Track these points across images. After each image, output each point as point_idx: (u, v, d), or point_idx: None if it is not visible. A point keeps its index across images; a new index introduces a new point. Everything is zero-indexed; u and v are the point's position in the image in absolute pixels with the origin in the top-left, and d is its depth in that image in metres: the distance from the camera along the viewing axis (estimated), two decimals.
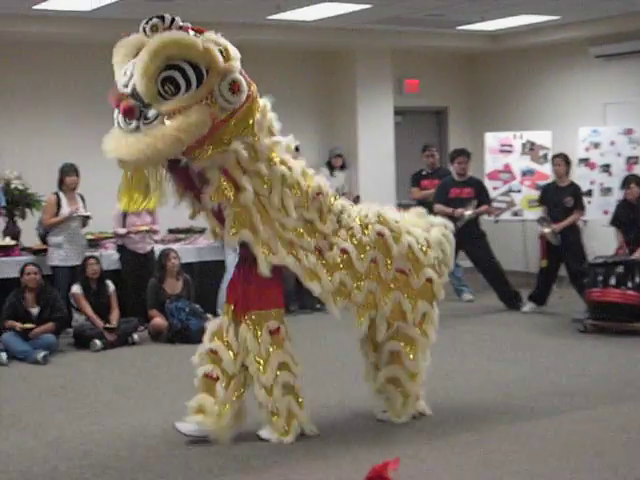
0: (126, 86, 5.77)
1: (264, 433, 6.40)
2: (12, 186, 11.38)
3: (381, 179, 14.38)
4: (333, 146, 14.31)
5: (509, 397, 7.48)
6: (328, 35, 13.66)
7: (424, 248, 6.79)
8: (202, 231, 12.54)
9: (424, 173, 13.10)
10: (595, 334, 10.12)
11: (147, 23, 5.81)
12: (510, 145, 13.74)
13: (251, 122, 6.17)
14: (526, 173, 13.57)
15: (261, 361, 6.22)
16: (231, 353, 6.32)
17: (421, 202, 12.68)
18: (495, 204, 13.05)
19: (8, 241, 11.21)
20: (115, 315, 10.42)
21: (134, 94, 5.72)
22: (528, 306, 11.69)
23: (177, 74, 5.67)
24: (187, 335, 10.22)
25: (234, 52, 5.97)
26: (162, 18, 5.78)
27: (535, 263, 12.36)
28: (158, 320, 10.55)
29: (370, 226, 6.65)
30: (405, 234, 6.72)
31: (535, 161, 13.54)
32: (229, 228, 6.13)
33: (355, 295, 6.48)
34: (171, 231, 12.49)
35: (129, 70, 5.76)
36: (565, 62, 14.47)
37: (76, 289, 10.40)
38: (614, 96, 13.74)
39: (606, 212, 12.02)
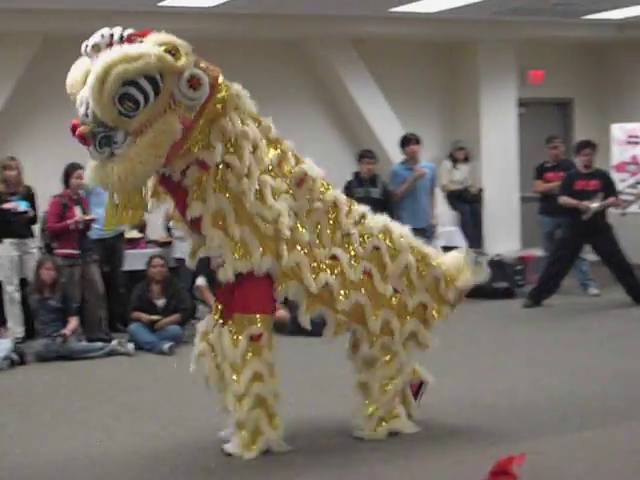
0: (87, 116, 5.48)
1: (229, 447, 6.05)
2: None
3: (504, 172, 14.22)
4: (456, 139, 14.21)
5: (622, 393, 7.31)
6: (451, 27, 13.57)
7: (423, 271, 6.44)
8: None
9: (548, 165, 12.88)
10: None
11: (87, 45, 5.60)
12: (637, 136, 13.42)
13: (228, 111, 5.91)
14: None
15: (235, 368, 5.88)
16: (211, 359, 6.13)
17: (545, 195, 12.52)
18: (622, 197, 12.76)
19: (135, 234, 11.45)
20: None
21: (96, 121, 5.45)
22: None
23: (132, 90, 5.35)
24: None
25: (184, 47, 5.56)
26: (101, 35, 5.56)
27: None
28: (281, 312, 10.60)
29: (369, 238, 6.30)
30: (405, 252, 6.37)
31: None
32: (207, 232, 5.89)
33: (340, 302, 6.10)
34: None
35: (84, 98, 5.49)
36: None
37: (201, 281, 10.52)
38: None
39: None
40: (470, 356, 8.83)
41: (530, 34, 14.13)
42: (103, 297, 10.46)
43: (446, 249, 12.64)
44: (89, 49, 5.57)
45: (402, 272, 6.31)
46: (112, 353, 9.60)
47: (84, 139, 5.51)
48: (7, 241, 10.37)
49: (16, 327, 10.32)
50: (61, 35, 11.96)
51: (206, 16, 12.24)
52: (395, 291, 6.30)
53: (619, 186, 12.59)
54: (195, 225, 5.93)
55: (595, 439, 6.20)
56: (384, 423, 6.29)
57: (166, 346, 9.58)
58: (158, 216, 11.37)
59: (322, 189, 6.42)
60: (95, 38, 5.57)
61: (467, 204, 13.92)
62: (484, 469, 5.36)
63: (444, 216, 13.16)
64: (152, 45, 5.43)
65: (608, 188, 11.63)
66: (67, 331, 9.61)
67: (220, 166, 5.80)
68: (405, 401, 6.53)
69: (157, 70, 5.37)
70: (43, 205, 10.68)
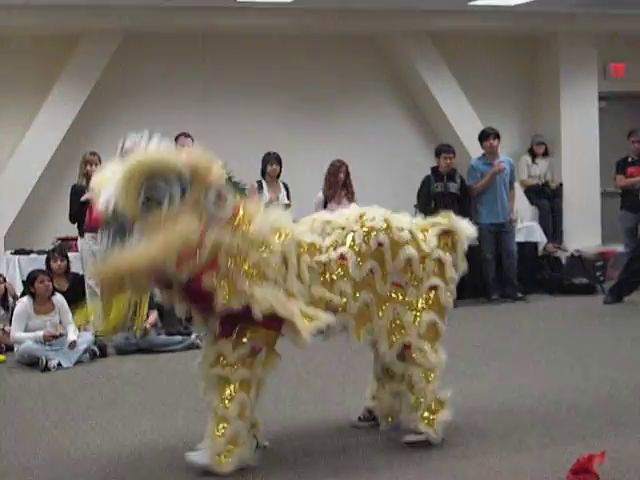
0: (108, 209, 5.41)
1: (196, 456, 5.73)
2: None
3: (585, 166, 14.05)
4: (535, 133, 14.08)
5: None
6: (530, 19, 13.44)
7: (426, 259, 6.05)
8: None
9: (630, 160, 12.68)
10: None
11: (121, 149, 5.61)
12: None
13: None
14: None
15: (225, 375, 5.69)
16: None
17: (626, 190, 12.34)
18: None
19: None
20: None
21: (117, 214, 5.38)
22: None
23: (160, 188, 5.35)
24: None
25: (217, 165, 5.60)
26: (135, 140, 5.59)
27: None
28: None
29: (373, 233, 5.95)
30: (406, 246, 5.98)
31: None
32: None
33: (350, 306, 5.84)
34: None
35: (110, 195, 5.40)
36: None
37: None
38: None
39: None
40: (550, 353, 8.75)
41: (611, 26, 13.93)
42: None
43: (525, 244, 12.69)
44: (123, 152, 5.57)
45: (403, 266, 5.98)
46: (191, 346, 9.67)
47: (96, 223, 5.61)
48: (88, 235, 10.51)
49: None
50: (141, 31, 12.12)
51: (283, 11, 12.31)
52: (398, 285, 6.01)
53: None
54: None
55: None
56: (433, 416, 5.98)
57: None
58: None
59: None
60: (130, 142, 5.59)
61: (546, 199, 13.78)
62: (564, 467, 5.31)
63: (523, 211, 13.06)
64: (192, 152, 5.58)
65: None
66: (147, 324, 9.71)
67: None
68: None
69: (188, 174, 5.38)
70: None
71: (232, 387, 5.63)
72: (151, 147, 5.49)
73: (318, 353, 8.02)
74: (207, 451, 5.62)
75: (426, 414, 5.95)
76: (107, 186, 5.43)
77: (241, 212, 5.66)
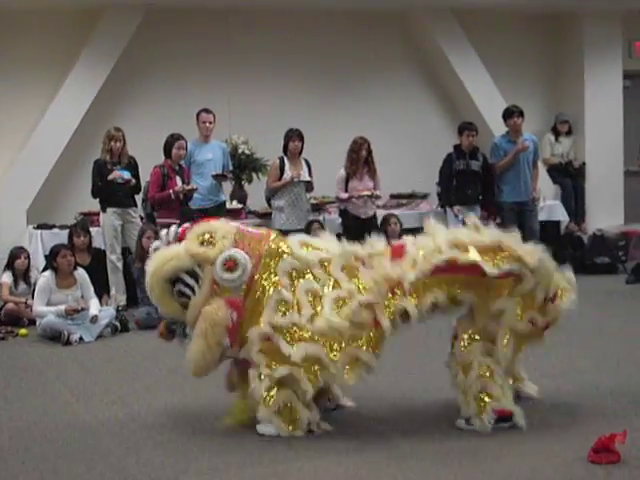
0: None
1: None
2: (239, 151, 11.70)
3: (608, 146, 13.97)
4: (559, 112, 14.01)
5: None
6: None
7: None
8: (424, 196, 12.57)
9: None
10: None
11: (152, 249, 6.25)
12: None
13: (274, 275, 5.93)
14: None
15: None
16: None
17: None
18: None
19: (235, 204, 11.55)
20: None
21: (171, 320, 6.15)
22: None
23: (180, 285, 5.95)
24: None
25: (221, 231, 6.00)
26: (160, 237, 6.25)
27: None
28: None
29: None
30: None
31: None
32: None
33: None
34: (393, 196, 12.55)
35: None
36: None
37: None
38: None
39: None
40: (571, 332, 8.69)
41: (637, 4, 13.80)
42: None
43: (547, 223, 12.62)
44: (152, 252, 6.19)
45: None
46: None
47: (164, 338, 6.27)
48: (110, 210, 10.56)
49: (119, 295, 10.52)
50: (164, 6, 12.09)
51: None
52: None
53: None
54: None
55: None
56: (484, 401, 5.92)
57: None
58: (259, 187, 11.53)
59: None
60: (156, 242, 6.24)
61: (569, 178, 13.72)
62: (586, 446, 5.30)
63: (546, 190, 13.00)
64: (190, 240, 5.97)
65: None
66: None
67: None
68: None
69: (193, 264, 5.89)
70: (145, 176, 10.84)
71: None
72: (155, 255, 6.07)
73: None
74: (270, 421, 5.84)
75: None
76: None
77: None
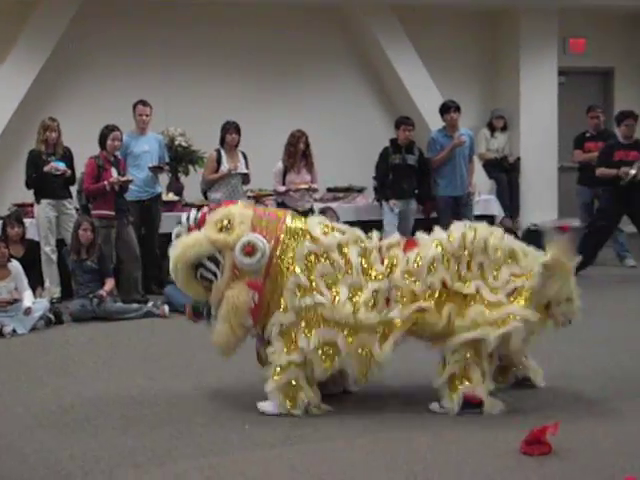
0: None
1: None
2: (176, 143, 11.65)
3: (543, 141, 14.12)
4: (495, 107, 14.13)
5: None
6: None
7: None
8: (361, 190, 12.61)
9: (588, 135, 12.78)
10: None
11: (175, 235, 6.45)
12: None
13: (290, 260, 6.12)
14: None
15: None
16: None
17: (584, 165, 12.42)
18: None
19: (171, 196, 11.50)
20: None
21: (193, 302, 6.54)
22: None
23: (202, 270, 6.21)
24: None
25: (239, 216, 6.21)
26: (180, 223, 6.43)
27: None
28: None
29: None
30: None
31: None
32: None
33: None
34: (330, 190, 12.57)
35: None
36: None
37: None
38: None
39: None
40: None
41: (572, 2, 13.99)
42: (139, 259, 10.51)
43: (482, 217, 12.72)
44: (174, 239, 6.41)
45: None
46: (147, 314, 9.67)
47: (192, 319, 6.64)
48: (45, 202, 10.45)
49: (53, 287, 10.42)
50: None
51: None
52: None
53: None
54: None
55: (630, 410, 6.18)
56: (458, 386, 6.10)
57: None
58: (195, 179, 11.49)
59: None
60: (177, 229, 6.43)
61: (504, 173, 13.86)
62: (518, 438, 5.36)
63: (481, 184, 13.11)
64: (209, 226, 6.19)
65: None
66: (103, 292, 9.68)
67: None
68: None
69: (213, 250, 6.12)
70: (80, 167, 10.74)
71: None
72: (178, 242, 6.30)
73: None
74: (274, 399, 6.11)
75: None
76: None
77: None
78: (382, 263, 6.22)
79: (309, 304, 6.00)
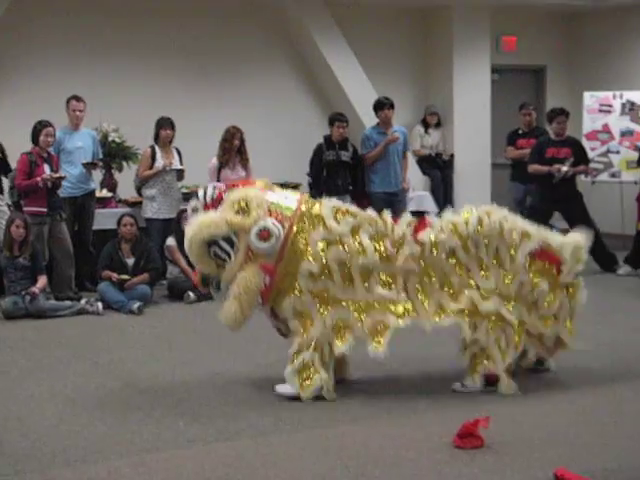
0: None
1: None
2: (110, 139, 11.56)
3: (476, 138, 14.23)
4: (428, 104, 14.22)
5: (600, 359, 7.35)
6: None
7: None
8: (296, 187, 12.60)
9: (520, 132, 12.93)
10: None
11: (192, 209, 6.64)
12: (609, 105, 13.49)
13: (304, 245, 6.37)
14: (625, 134, 13.31)
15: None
16: None
17: (516, 162, 12.56)
18: (593, 165, 12.83)
19: (105, 193, 11.42)
20: None
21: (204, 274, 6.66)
22: (623, 269, 11.55)
23: (216, 249, 6.38)
24: None
25: (256, 199, 6.36)
26: (197, 197, 6.64)
27: (632, 225, 12.16)
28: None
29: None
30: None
31: (635, 121, 13.28)
32: None
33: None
34: None
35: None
36: None
37: (171, 241, 10.52)
38: None
39: None
40: None
41: (504, 1, 14.11)
42: (72, 256, 10.42)
43: (416, 214, 12.78)
44: (191, 213, 6.62)
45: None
46: (81, 312, 9.59)
47: (199, 289, 7.01)
48: None
49: None
50: None
51: None
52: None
53: (590, 154, 12.64)
54: None
55: (560, 402, 6.27)
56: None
57: (135, 306, 9.57)
58: (129, 176, 11.42)
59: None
60: (193, 202, 6.64)
61: (438, 169, 13.95)
62: (451, 431, 5.42)
63: (415, 181, 13.19)
64: (227, 207, 6.36)
65: (579, 156, 11.66)
66: (36, 289, 9.57)
67: None
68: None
69: (229, 231, 6.30)
70: (12, 163, 10.61)
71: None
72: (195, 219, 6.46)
73: None
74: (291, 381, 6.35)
75: None
76: None
77: None
78: (393, 245, 6.47)
79: (322, 288, 6.29)
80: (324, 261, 6.30)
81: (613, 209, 13.59)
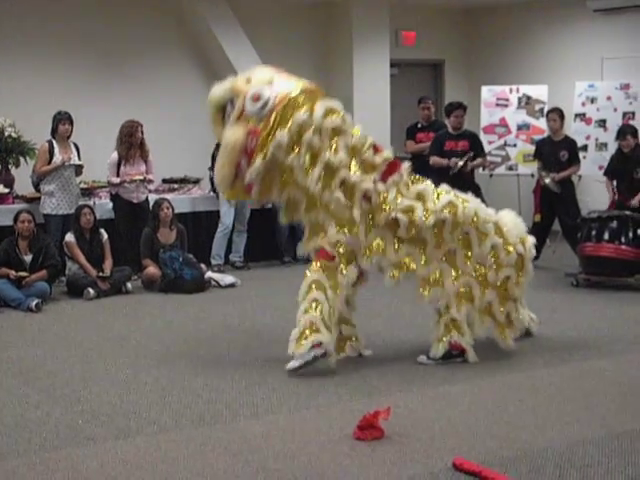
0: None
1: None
2: (6, 134, 11.35)
3: (376, 131, 14.05)
4: (328, 97, 14.23)
5: (501, 350, 7.46)
6: None
7: (510, 249, 7.19)
8: (196, 181, 12.56)
9: (419, 126, 13.04)
10: (588, 289, 10.20)
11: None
12: (506, 99, 13.72)
13: (289, 120, 6.86)
14: (522, 127, 13.57)
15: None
16: None
17: (416, 155, 12.67)
18: (490, 158, 13.02)
19: (1, 189, 11.21)
20: (108, 264, 10.42)
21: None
22: None
23: (229, 109, 7.12)
24: (180, 284, 10.29)
25: (259, 76, 7.10)
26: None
27: (529, 217, 12.31)
28: (151, 269, 10.56)
29: (460, 227, 7.06)
30: (493, 236, 7.12)
31: (531, 115, 13.53)
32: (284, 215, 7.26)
33: (420, 267, 6.99)
34: (165, 181, 12.48)
35: None
36: (563, 16, 14.40)
37: (69, 237, 10.39)
38: (612, 51, 13.71)
39: (601, 167, 12.02)
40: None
41: None
42: None
43: None
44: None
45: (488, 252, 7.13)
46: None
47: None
48: None
49: None
50: None
51: None
52: (482, 265, 7.13)
53: (487, 148, 12.83)
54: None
55: (460, 392, 6.36)
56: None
57: (33, 303, 9.43)
58: (26, 171, 11.23)
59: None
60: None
61: None
62: (351, 424, 5.46)
63: None
64: (239, 79, 7.19)
65: (477, 149, 11.80)
66: None
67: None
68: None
69: (233, 94, 7.07)
70: None
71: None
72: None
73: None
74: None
75: None
76: None
77: None
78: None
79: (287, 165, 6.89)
80: (294, 138, 6.82)
81: (511, 201, 13.71)
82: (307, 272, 6.93)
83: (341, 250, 6.87)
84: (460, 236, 7.05)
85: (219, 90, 7.13)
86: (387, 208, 6.93)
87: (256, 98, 6.85)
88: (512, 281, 7.20)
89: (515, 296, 7.28)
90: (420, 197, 7.04)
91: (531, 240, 7.44)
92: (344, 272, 6.86)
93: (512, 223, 7.38)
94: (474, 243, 7.05)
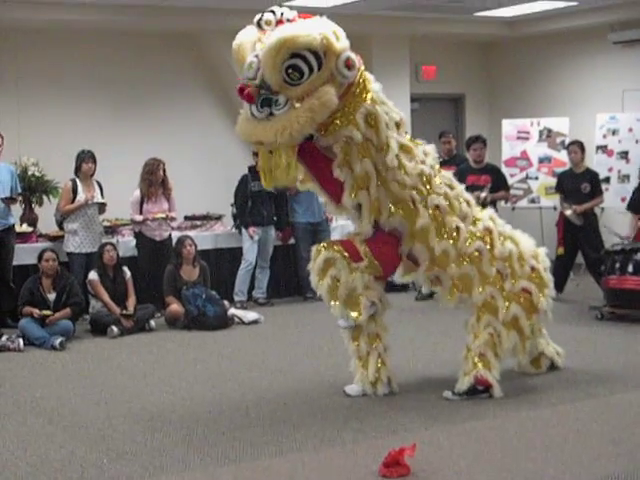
0: (254, 79, 6.35)
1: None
2: (29, 173, 11.43)
3: None
4: None
5: (527, 385, 7.44)
6: (345, 22, 13.08)
7: (522, 261, 7.27)
8: (219, 218, 12.59)
9: (440, 160, 12.92)
10: (612, 322, 10.13)
11: (261, 18, 6.52)
12: (527, 132, 13.71)
13: (367, 93, 6.63)
14: (543, 160, 13.55)
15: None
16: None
17: None
18: (512, 191, 13.00)
19: (25, 228, 11.27)
20: (132, 302, 10.44)
21: (262, 85, 6.33)
22: None
23: (300, 62, 6.21)
24: (203, 321, 10.29)
25: (342, 33, 6.47)
26: (273, 12, 6.50)
27: (552, 250, 12.23)
28: (175, 307, 10.56)
29: (480, 222, 7.22)
30: (509, 240, 7.30)
31: (552, 148, 13.52)
32: (349, 192, 6.75)
33: (451, 268, 6.97)
34: (187, 218, 12.51)
35: (254, 64, 6.35)
36: (583, 48, 14.41)
37: (93, 275, 10.42)
38: (632, 82, 13.68)
39: (623, 199, 11.99)
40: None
41: (423, 30, 14.28)
42: None
43: None
44: (263, 22, 6.50)
45: (506, 256, 7.17)
46: (1, 349, 9.43)
47: (250, 98, 6.38)
48: None
49: None
50: None
51: (93, 8, 12.02)
52: (500, 274, 7.12)
53: (509, 181, 12.81)
54: (329, 186, 6.91)
55: (484, 429, 6.31)
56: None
57: (57, 341, 9.45)
58: (50, 210, 11.29)
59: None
60: (268, 14, 6.51)
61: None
62: (376, 460, 5.42)
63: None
64: (319, 26, 6.35)
65: (499, 182, 11.79)
66: None
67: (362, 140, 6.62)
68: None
69: (321, 48, 6.22)
70: None
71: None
72: (287, 25, 6.38)
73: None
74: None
75: None
76: (251, 56, 6.42)
77: None
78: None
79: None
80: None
81: (534, 234, 13.56)
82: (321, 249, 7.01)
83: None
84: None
85: (306, 37, 6.19)
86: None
87: (350, 64, 6.40)
88: (535, 295, 7.17)
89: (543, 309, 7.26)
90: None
91: (543, 251, 7.60)
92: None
93: (524, 240, 7.52)
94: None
